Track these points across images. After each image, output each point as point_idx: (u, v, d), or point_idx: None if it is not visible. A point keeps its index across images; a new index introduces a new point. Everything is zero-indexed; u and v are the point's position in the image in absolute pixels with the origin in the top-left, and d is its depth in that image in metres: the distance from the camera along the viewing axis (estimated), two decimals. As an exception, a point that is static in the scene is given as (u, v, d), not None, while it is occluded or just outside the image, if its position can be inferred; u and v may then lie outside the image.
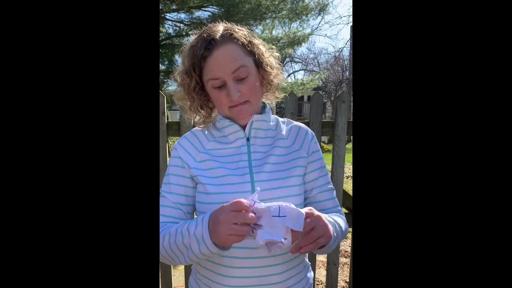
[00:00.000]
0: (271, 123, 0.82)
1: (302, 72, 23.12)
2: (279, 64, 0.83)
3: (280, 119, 0.86)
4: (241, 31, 0.75)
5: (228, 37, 0.72)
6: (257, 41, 0.77)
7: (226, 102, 0.74)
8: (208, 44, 0.72)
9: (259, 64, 0.77)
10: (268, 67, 0.79)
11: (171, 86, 7.09)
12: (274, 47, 0.84)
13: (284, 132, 0.83)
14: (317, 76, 7.95)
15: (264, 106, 0.83)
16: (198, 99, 0.79)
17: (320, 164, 0.83)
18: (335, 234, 0.69)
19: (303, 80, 6.99)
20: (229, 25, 0.76)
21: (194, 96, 0.78)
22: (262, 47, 0.78)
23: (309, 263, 0.86)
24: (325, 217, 0.66)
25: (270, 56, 0.80)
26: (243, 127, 0.79)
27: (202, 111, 0.82)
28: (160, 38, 6.02)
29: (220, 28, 0.75)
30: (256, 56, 0.76)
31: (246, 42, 0.74)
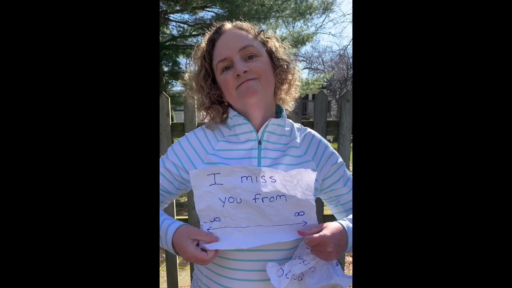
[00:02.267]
0: (286, 128, 0.77)
1: (306, 70, 23.05)
2: (294, 60, 0.80)
3: (296, 125, 0.82)
4: (250, 27, 0.77)
5: (239, 26, 0.75)
6: (269, 33, 0.78)
7: (233, 82, 0.70)
8: (218, 29, 0.75)
9: (271, 54, 0.75)
10: (281, 61, 0.76)
11: (176, 87, 7.11)
12: (287, 44, 0.81)
13: (298, 140, 0.78)
14: (322, 76, 7.91)
15: (280, 110, 0.79)
16: (206, 87, 0.75)
17: (342, 172, 0.82)
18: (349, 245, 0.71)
19: (308, 80, 6.97)
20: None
21: (203, 84, 0.75)
22: (275, 40, 0.77)
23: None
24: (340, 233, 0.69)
25: (283, 50, 0.78)
26: (257, 129, 0.75)
27: (210, 109, 0.77)
28: (164, 39, 6.04)
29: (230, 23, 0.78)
30: (268, 47, 0.75)
31: (256, 33, 0.75)
